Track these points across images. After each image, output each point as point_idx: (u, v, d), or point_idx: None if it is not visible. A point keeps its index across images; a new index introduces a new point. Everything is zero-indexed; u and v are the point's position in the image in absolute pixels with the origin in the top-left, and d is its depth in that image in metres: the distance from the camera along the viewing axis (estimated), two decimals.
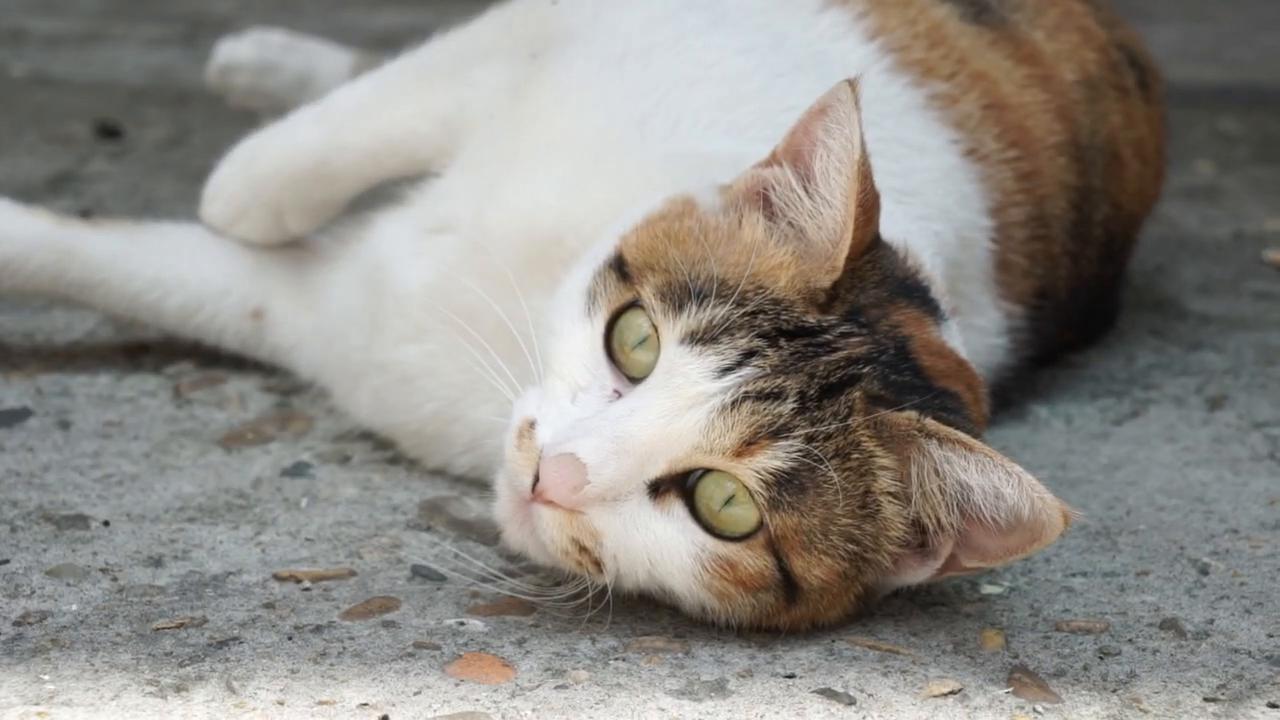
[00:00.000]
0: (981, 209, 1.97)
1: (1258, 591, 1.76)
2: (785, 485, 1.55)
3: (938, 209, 1.91)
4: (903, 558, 1.61)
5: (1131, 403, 2.19)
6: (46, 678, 1.55)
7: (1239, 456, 2.06)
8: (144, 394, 2.14)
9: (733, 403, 1.56)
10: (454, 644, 1.63)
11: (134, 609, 1.68)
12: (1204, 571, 1.80)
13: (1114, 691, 1.59)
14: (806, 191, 1.63)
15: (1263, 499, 1.95)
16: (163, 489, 1.92)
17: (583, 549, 1.59)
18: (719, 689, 1.57)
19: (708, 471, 1.57)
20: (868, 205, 1.60)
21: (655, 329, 1.60)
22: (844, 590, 1.62)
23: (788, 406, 1.56)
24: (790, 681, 1.59)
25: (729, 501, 1.57)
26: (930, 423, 1.56)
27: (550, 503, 1.58)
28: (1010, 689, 1.59)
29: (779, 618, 1.63)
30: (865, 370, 1.58)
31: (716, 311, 1.58)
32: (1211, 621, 1.71)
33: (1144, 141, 2.22)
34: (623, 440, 1.57)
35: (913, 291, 1.67)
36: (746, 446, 1.56)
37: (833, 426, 1.57)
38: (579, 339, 1.64)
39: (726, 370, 1.56)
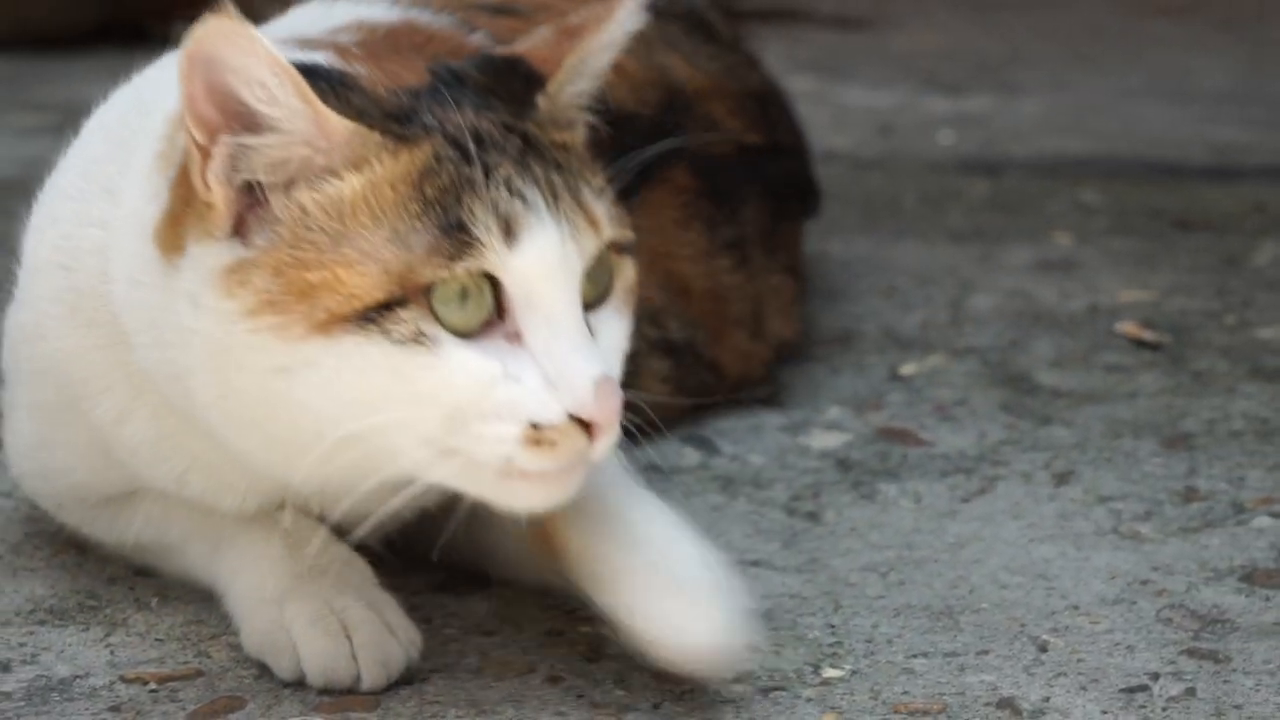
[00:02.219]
0: None
1: (1094, 668, 1.79)
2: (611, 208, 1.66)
3: None
4: None
5: (980, 480, 2.23)
6: None
7: (1083, 531, 2.09)
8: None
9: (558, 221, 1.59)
10: None
11: None
12: (1043, 649, 1.83)
13: None
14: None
15: (1104, 574, 1.99)
16: (14, 591, 1.92)
17: None
18: None
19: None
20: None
21: (475, 279, 1.56)
22: None
23: (558, 179, 1.61)
24: None
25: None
26: None
27: (608, 427, 1.58)
28: None
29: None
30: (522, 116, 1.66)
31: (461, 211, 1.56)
32: (1047, 699, 1.74)
33: None
34: (580, 331, 1.59)
35: None
36: (594, 225, 1.62)
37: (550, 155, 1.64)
38: (461, 360, 1.56)
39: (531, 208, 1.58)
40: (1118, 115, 4.19)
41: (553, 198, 1.59)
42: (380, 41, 1.83)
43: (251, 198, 1.59)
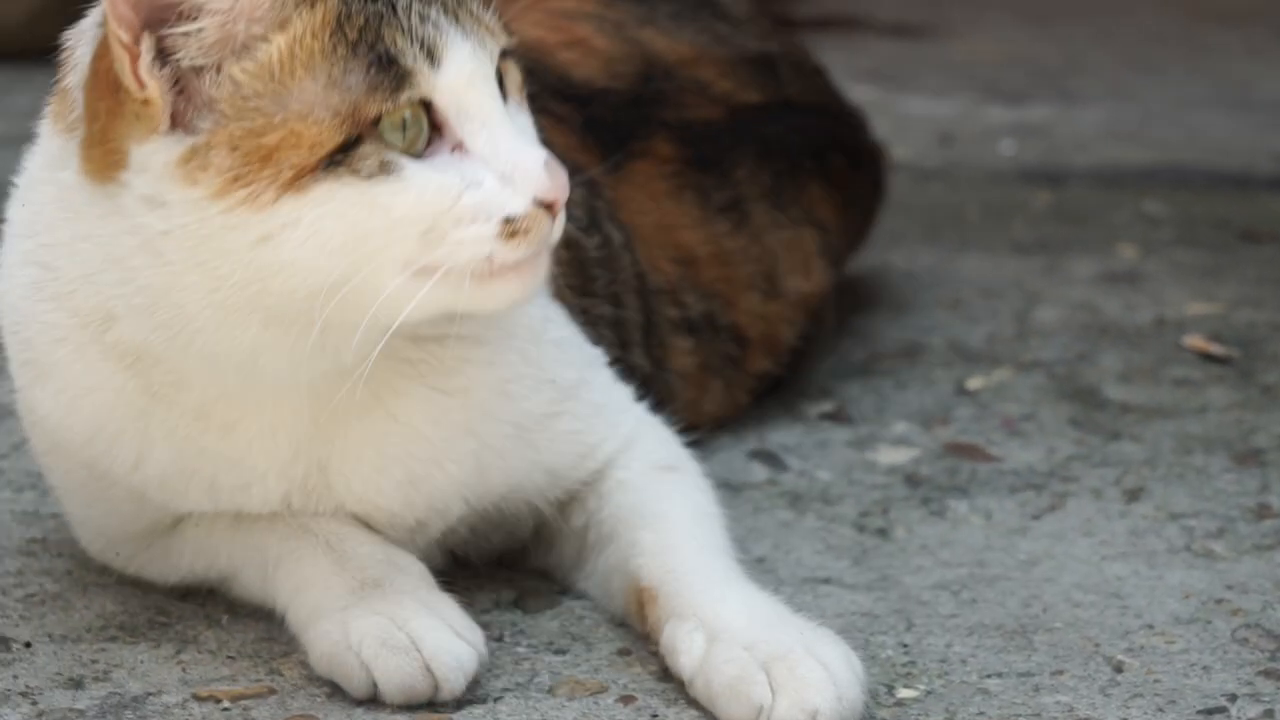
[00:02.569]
0: None
1: (1170, 689, 1.78)
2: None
3: None
4: None
5: (1050, 496, 2.22)
6: None
7: (1156, 549, 2.08)
8: None
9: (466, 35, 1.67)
10: None
11: None
12: (1118, 669, 1.82)
13: None
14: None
15: (1178, 593, 1.98)
16: (85, 608, 1.93)
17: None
18: None
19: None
20: None
21: (412, 105, 1.63)
22: None
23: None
24: None
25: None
26: None
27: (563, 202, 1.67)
28: None
29: None
30: None
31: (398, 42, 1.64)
32: None
33: None
34: (511, 127, 1.67)
35: None
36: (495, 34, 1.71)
37: None
38: (426, 178, 1.64)
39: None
40: (1180, 124, 4.16)
41: (454, 16, 1.67)
42: None
43: (176, 87, 1.63)
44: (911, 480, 2.26)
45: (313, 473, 1.80)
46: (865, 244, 2.84)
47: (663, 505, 1.89)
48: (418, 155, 1.64)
